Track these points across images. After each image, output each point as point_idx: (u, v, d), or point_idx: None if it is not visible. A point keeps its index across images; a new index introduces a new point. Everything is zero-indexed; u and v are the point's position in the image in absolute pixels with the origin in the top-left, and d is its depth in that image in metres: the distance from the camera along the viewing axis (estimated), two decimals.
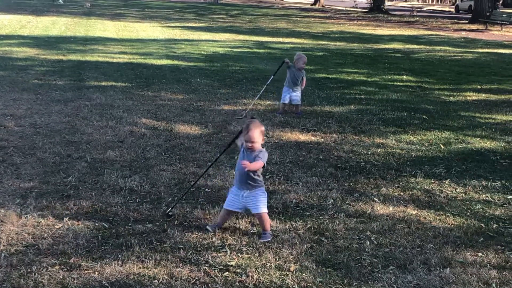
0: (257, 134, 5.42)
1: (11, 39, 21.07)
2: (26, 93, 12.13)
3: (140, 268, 4.96)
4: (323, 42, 25.70)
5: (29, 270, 4.85)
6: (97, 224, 5.84)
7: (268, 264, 5.09)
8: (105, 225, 5.83)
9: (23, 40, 20.96)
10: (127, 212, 6.18)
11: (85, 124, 9.81)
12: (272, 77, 11.53)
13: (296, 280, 4.82)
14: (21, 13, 32.65)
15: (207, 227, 5.76)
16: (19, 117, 10.06)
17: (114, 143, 8.78)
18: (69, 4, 42.60)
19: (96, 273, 4.82)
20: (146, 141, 8.98)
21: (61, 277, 4.73)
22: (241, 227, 5.88)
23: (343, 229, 5.94)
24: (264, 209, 5.63)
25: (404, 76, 16.90)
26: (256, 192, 5.60)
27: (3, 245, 5.27)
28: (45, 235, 5.53)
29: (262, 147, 5.57)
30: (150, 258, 5.13)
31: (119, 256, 5.15)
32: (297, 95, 11.27)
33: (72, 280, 4.69)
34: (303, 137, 9.59)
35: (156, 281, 4.76)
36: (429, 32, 34.80)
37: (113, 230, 5.72)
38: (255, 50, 21.56)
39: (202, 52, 20.24)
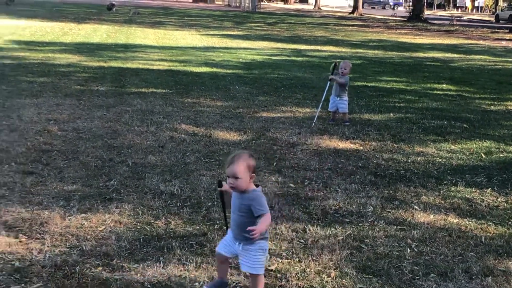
0: (242, 168, 4.23)
1: (54, 46, 21.45)
2: (69, 99, 12.34)
3: (181, 270, 5.01)
4: (361, 51, 25.62)
5: (72, 270, 4.93)
6: (138, 227, 5.92)
7: (308, 269, 5.11)
8: (146, 228, 5.90)
9: (66, 47, 21.31)
10: (168, 215, 6.25)
11: (126, 129, 9.94)
12: (329, 83, 11.42)
13: (336, 286, 4.82)
14: (63, 21, 33.20)
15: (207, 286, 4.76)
16: (62, 122, 10.24)
17: (154, 148, 8.88)
18: (117, 13, 43.19)
19: (138, 274, 4.89)
20: (186, 147, 9.07)
21: (104, 278, 4.80)
22: (281, 232, 5.90)
23: (383, 236, 5.92)
24: (260, 270, 4.49)
25: (444, 85, 16.75)
26: (254, 247, 4.42)
27: (47, 246, 5.37)
28: (88, 236, 5.62)
29: (256, 186, 4.45)
30: (191, 261, 5.18)
31: (161, 258, 5.21)
32: (343, 103, 11.23)
33: (115, 281, 4.76)
34: (342, 144, 9.58)
35: (197, 283, 4.80)
36: (469, 41, 34.44)
37: (155, 233, 5.79)
38: (293, 58, 21.60)
39: (241, 59, 20.34)
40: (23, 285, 4.63)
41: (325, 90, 11.34)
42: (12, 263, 5.01)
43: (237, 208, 4.37)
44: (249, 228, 4.13)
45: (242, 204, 4.33)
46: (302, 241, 5.73)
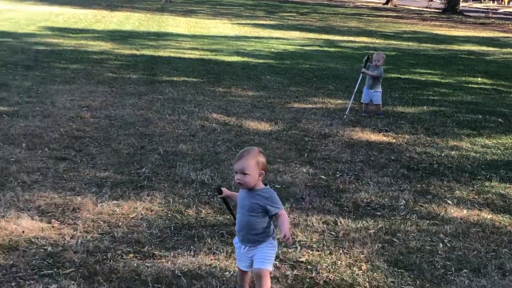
0: (252, 164, 4.01)
1: (86, 33, 21.61)
2: (101, 86, 12.42)
3: (211, 259, 5.01)
4: (395, 42, 25.37)
5: (104, 257, 4.96)
6: (169, 215, 5.93)
7: (339, 262, 5.07)
8: (177, 216, 5.91)
9: (98, 34, 21.45)
10: (198, 204, 6.26)
11: (157, 118, 9.97)
12: (361, 75, 11.32)
13: (367, 279, 4.78)
14: (96, 8, 33.42)
15: None
16: (94, 109, 10.31)
17: (185, 137, 8.89)
18: (149, 1, 43.33)
19: (169, 262, 4.90)
20: (217, 136, 9.06)
21: (135, 265, 4.82)
22: (312, 223, 5.87)
23: (416, 230, 5.85)
24: (267, 266, 4.22)
25: (479, 79, 16.51)
26: (263, 244, 4.24)
27: (80, 232, 5.41)
28: (120, 223, 5.65)
29: (265, 185, 4.20)
30: (221, 250, 5.18)
31: (191, 247, 5.22)
32: (376, 94, 11.11)
33: (146, 268, 4.77)
34: (374, 137, 9.49)
35: (227, 273, 4.79)
36: (505, 35, 33.90)
37: (185, 221, 5.79)
38: (326, 49, 21.47)
39: (272, 49, 20.27)
40: (55, 270, 4.67)
41: (357, 82, 11.24)
42: (45, 247, 5.05)
43: (247, 209, 4.12)
44: (283, 239, 3.97)
45: (254, 203, 4.07)
46: (333, 233, 5.69)
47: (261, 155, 4.11)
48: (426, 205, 6.59)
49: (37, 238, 5.22)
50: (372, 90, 11.08)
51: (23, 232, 5.33)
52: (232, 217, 4.56)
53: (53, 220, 5.63)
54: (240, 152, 4.13)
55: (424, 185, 7.23)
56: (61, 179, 6.80)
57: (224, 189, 4.31)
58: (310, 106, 11.69)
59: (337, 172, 7.56)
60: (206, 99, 11.70)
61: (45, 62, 14.85)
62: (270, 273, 4.35)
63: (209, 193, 6.61)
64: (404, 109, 11.84)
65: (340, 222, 5.93)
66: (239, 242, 4.29)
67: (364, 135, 9.53)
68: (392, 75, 15.94)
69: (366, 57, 11.36)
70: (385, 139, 9.41)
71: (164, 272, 4.74)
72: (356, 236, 5.61)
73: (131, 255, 5.02)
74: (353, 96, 11.21)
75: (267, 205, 4.04)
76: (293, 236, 5.53)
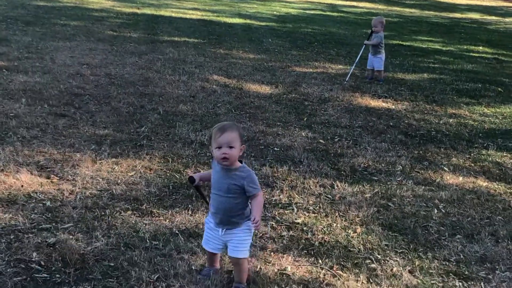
0: (236, 136, 3.72)
1: None
2: (102, 44, 12.38)
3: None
4: (398, 8, 25.23)
5: (103, 213, 5.00)
6: (168, 174, 5.97)
7: (334, 224, 5.12)
8: (176, 175, 5.95)
9: None
10: (197, 164, 6.29)
11: (158, 77, 9.96)
12: (364, 46, 11.29)
13: (361, 242, 4.84)
14: None
15: (199, 276, 4.10)
16: (94, 67, 10.29)
17: (186, 98, 8.90)
18: None
19: (167, 220, 4.95)
20: (217, 98, 9.07)
21: (133, 222, 4.87)
22: (309, 186, 5.91)
23: (411, 196, 5.90)
24: (243, 254, 3.93)
25: (481, 47, 16.47)
26: (239, 229, 3.90)
27: (78, 188, 5.45)
28: (119, 181, 5.69)
29: (240, 162, 3.86)
30: None
31: (189, 206, 5.26)
32: (377, 60, 11.08)
33: (144, 225, 4.82)
34: (373, 102, 9.50)
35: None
36: (508, 4, 33.67)
37: (184, 181, 5.82)
38: (328, 13, 21.35)
39: (274, 12, 20.17)
40: (54, 224, 4.72)
41: (361, 51, 11.23)
42: (44, 202, 5.09)
43: (225, 190, 3.77)
44: (252, 222, 3.65)
45: (233, 184, 3.73)
46: (329, 196, 5.74)
47: (241, 129, 3.90)
48: (422, 171, 6.63)
49: (36, 193, 5.26)
50: (374, 56, 11.06)
51: (22, 186, 5.37)
52: (205, 203, 4.34)
53: (52, 176, 5.67)
54: (219, 126, 3.75)
55: (421, 152, 7.27)
56: (61, 136, 6.82)
57: (196, 176, 3.94)
58: (311, 70, 11.67)
59: (336, 137, 7.59)
60: (207, 61, 11.68)
61: (45, 18, 14.77)
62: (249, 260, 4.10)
63: (208, 154, 6.64)
64: (404, 76, 11.83)
65: (337, 186, 5.98)
66: (215, 224, 3.91)
67: (364, 101, 9.54)
68: (394, 42, 15.88)
69: (370, 31, 11.32)
70: (384, 105, 9.42)
71: (162, 229, 4.79)
72: (352, 200, 5.66)
73: (130, 212, 5.07)
74: (354, 64, 11.19)
75: (245, 185, 3.71)
76: (290, 199, 5.58)
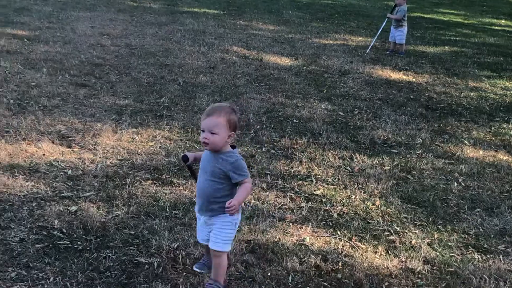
0: (222, 121, 3.36)
1: None
2: (122, 14, 12.38)
3: None
4: None
5: (123, 182, 5.04)
6: (188, 145, 5.99)
7: (353, 196, 5.13)
8: (195, 146, 5.97)
9: None
10: None
11: (178, 48, 9.96)
12: (386, 19, 11.21)
13: (380, 214, 4.84)
14: None
15: (195, 268, 3.82)
16: (115, 37, 10.30)
17: (205, 69, 8.90)
18: None
19: (187, 190, 4.98)
20: (237, 69, 9.06)
21: (153, 191, 4.91)
22: (328, 158, 5.91)
23: (431, 168, 5.88)
24: (224, 246, 3.55)
25: (503, 21, 16.26)
26: (220, 218, 3.53)
27: (99, 157, 5.49)
28: (139, 151, 5.72)
29: (233, 148, 3.53)
30: None
31: None
32: (398, 34, 11.00)
33: (164, 194, 4.86)
34: (394, 75, 9.44)
35: (243, 204, 4.86)
36: None
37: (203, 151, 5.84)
38: None
39: None
40: (75, 192, 4.76)
41: (383, 24, 11.15)
42: (65, 171, 5.14)
43: (210, 173, 3.48)
44: (227, 204, 3.29)
45: (217, 167, 3.44)
46: (348, 168, 5.74)
47: (233, 113, 3.44)
48: (442, 144, 6.60)
49: (58, 162, 5.31)
50: (396, 29, 10.97)
51: (43, 155, 5.42)
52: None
53: (73, 145, 5.72)
54: (210, 107, 3.50)
55: (441, 125, 7.23)
56: (81, 105, 6.86)
57: (189, 154, 3.66)
58: (331, 42, 11.61)
59: (355, 109, 7.57)
60: (227, 32, 11.65)
61: None
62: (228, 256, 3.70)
63: None
64: (425, 48, 11.73)
65: (356, 158, 5.97)
66: (197, 211, 3.64)
67: (384, 73, 9.48)
68: (415, 14, 15.72)
69: (394, 5, 11.23)
70: (405, 78, 9.36)
71: (181, 199, 4.82)
72: (371, 172, 5.66)
73: (150, 181, 5.10)
74: (376, 36, 11.10)
75: (230, 171, 3.41)
76: (309, 170, 5.58)
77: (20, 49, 9.03)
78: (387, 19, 11.13)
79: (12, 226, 4.15)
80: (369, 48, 10.94)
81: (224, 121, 3.37)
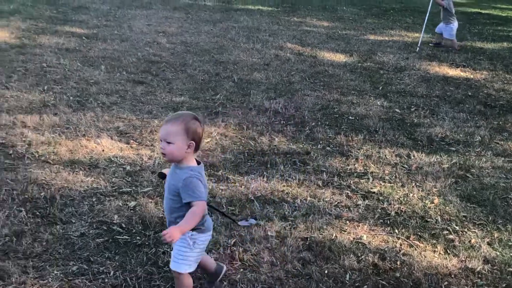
0: (178, 130, 3.09)
1: None
2: (177, 12, 12.49)
3: (284, 186, 5.08)
4: None
5: None
6: (243, 141, 6.01)
7: (411, 194, 5.07)
8: (251, 142, 5.99)
9: None
10: (272, 132, 6.31)
11: (232, 45, 10.00)
12: (430, 5, 11.05)
13: (439, 213, 4.77)
14: None
15: None
16: (170, 35, 10.41)
17: (260, 66, 8.92)
18: None
19: (243, 186, 5.00)
20: (291, 66, 9.05)
21: (209, 187, 4.93)
22: (385, 156, 5.85)
23: (490, 167, 5.77)
24: (179, 267, 3.30)
25: None
26: (181, 239, 3.19)
27: (157, 153, 5.55)
28: None
29: (198, 163, 3.27)
30: (293, 178, 5.24)
31: (264, 173, 5.30)
32: (446, 28, 10.83)
33: (220, 190, 4.89)
34: (451, 72, 9.29)
35: (298, 200, 4.85)
36: None
37: (259, 148, 5.87)
38: None
39: None
40: (134, 188, 4.83)
41: (427, 13, 10.99)
42: (124, 166, 5.22)
43: (167, 189, 3.25)
44: (163, 234, 2.96)
45: (172, 183, 3.19)
46: (405, 166, 5.67)
47: (193, 121, 3.14)
48: (502, 142, 6.47)
49: (116, 157, 5.39)
50: (443, 23, 10.81)
51: (103, 151, 5.51)
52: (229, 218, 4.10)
53: (131, 141, 5.80)
54: (169, 115, 3.26)
55: (500, 122, 7.09)
56: (139, 102, 6.95)
57: (166, 171, 3.40)
58: (386, 38, 11.49)
59: (412, 106, 7.48)
60: (281, 29, 11.65)
61: None
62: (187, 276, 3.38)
63: (282, 121, 6.65)
64: (483, 44, 11.50)
65: (413, 156, 5.90)
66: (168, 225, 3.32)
67: (441, 70, 9.34)
68: (472, 10, 15.43)
69: None
70: (462, 74, 9.20)
71: (238, 195, 4.85)
72: (429, 170, 5.58)
73: (206, 178, 5.12)
74: (423, 28, 10.96)
75: (180, 188, 3.11)
76: (365, 168, 5.54)
77: (78, 47, 9.21)
78: (430, 5, 10.95)
79: (73, 221, 4.24)
80: (419, 42, 10.80)
81: (181, 129, 3.10)
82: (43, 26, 10.49)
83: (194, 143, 3.13)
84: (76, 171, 5.02)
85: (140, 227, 4.23)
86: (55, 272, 3.62)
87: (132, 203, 4.56)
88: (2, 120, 6.02)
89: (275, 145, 5.98)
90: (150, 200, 4.62)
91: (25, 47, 9.03)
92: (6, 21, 10.66)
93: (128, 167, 5.21)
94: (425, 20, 10.99)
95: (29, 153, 5.31)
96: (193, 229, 3.20)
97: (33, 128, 5.90)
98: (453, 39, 10.87)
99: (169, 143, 3.08)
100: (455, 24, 10.86)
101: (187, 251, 3.27)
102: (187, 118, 3.14)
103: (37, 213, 4.29)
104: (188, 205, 3.10)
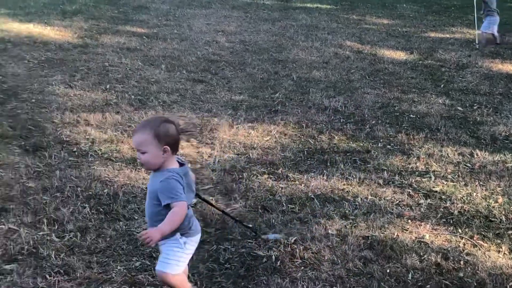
0: (147, 138, 3.02)
1: None
2: (236, 11, 12.56)
3: (344, 184, 5.04)
4: None
5: (240, 176, 5.11)
6: (303, 140, 6.00)
7: (474, 194, 4.96)
8: (310, 141, 5.98)
9: None
10: (331, 130, 6.28)
11: (291, 44, 10.00)
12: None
13: (503, 212, 4.66)
14: None
15: None
16: (229, 34, 10.47)
17: (319, 64, 8.89)
18: None
19: (302, 185, 4.99)
20: (350, 64, 8.99)
21: (269, 185, 4.95)
22: (447, 154, 5.75)
23: None
24: (167, 268, 3.23)
25: None
26: (167, 242, 3.21)
27: (217, 151, 5.60)
28: (255, 145, 5.79)
29: (181, 165, 3.25)
30: (354, 176, 5.19)
31: (324, 171, 5.27)
32: (486, 21, 10.63)
33: (280, 188, 4.89)
34: None
35: (359, 198, 4.82)
36: None
37: (318, 146, 5.85)
38: None
39: None
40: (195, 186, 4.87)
41: (474, 7, 10.81)
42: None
43: (147, 194, 3.19)
44: (142, 232, 2.93)
45: (150, 189, 3.14)
46: (468, 165, 5.56)
47: (163, 125, 3.08)
48: None
49: (177, 155, 5.43)
50: (485, 17, 10.64)
51: None
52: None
53: (192, 139, 5.84)
54: (138, 124, 3.12)
55: None
56: (199, 101, 7.02)
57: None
58: (448, 36, 11.30)
59: (475, 104, 7.33)
60: (340, 27, 11.58)
61: None
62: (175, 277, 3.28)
63: (342, 120, 6.61)
64: None
65: (477, 154, 5.77)
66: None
67: (504, 67, 9.13)
68: None
69: None
70: None
71: (297, 193, 4.84)
72: (493, 169, 5.46)
73: (266, 175, 5.14)
74: (475, 23, 10.76)
75: (158, 191, 3.03)
76: (427, 166, 5.45)
77: (139, 46, 9.36)
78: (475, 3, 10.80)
79: (136, 217, 4.31)
80: (477, 39, 10.59)
81: (150, 137, 3.01)
82: (105, 26, 10.70)
83: (168, 147, 3.06)
84: (138, 169, 5.10)
85: (202, 224, 4.23)
86: (119, 267, 3.69)
87: (193, 200, 4.60)
88: (66, 118, 6.16)
89: (334, 144, 5.95)
90: (211, 198, 4.65)
91: (88, 46, 9.23)
92: (69, 21, 10.92)
93: (189, 165, 5.23)
94: (475, 16, 10.80)
95: (92, 151, 5.42)
96: (181, 234, 3.17)
97: (96, 126, 6.03)
98: (489, 32, 10.60)
99: (143, 152, 3.02)
100: (493, 18, 10.60)
101: (179, 251, 3.21)
102: (155, 123, 3.07)
103: (101, 209, 4.38)
104: (169, 208, 3.01)
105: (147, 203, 3.15)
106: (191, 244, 3.27)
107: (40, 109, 6.43)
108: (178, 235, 3.17)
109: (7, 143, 5.49)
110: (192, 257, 3.77)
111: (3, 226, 4.06)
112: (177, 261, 3.22)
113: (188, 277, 3.59)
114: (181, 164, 3.18)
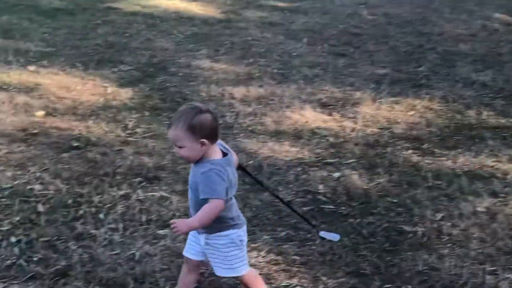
0: (181, 133, 2.79)
1: None
2: None
3: (493, 161, 4.84)
4: None
5: (383, 150, 5.04)
6: (449, 115, 5.82)
7: None
8: (457, 116, 5.79)
9: None
10: (479, 105, 6.04)
11: (436, 16, 9.70)
12: None
13: None
14: None
15: None
16: (371, 6, 10.32)
17: (465, 37, 8.57)
18: None
19: (449, 161, 4.84)
20: (499, 37, 8.61)
21: (414, 161, 4.84)
22: None
23: None
24: (239, 271, 3.04)
25: None
26: (219, 241, 2.96)
27: (359, 125, 5.55)
28: (399, 120, 5.68)
29: (225, 155, 2.91)
30: (503, 153, 4.97)
31: (472, 147, 5.08)
32: None
33: (426, 164, 4.77)
34: None
35: (509, 176, 4.61)
36: None
37: (466, 122, 5.65)
38: None
39: None
40: (337, 159, 4.86)
41: None
42: (327, 138, 5.27)
43: (189, 187, 3.00)
44: (173, 220, 2.88)
45: (192, 180, 2.94)
46: None
47: (197, 116, 2.80)
48: None
49: (319, 129, 5.46)
50: None
51: (306, 122, 5.61)
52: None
53: (334, 113, 5.82)
54: (174, 115, 2.96)
55: None
56: (341, 75, 6.98)
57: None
58: None
59: None
60: None
61: None
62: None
63: (490, 94, 6.35)
64: None
65: None
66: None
67: None
68: None
69: None
70: None
71: (444, 170, 4.70)
72: None
73: (410, 151, 5.04)
74: None
75: (198, 184, 2.84)
76: None
77: (281, 21, 9.42)
78: None
79: (280, 189, 4.36)
80: None
81: (184, 131, 2.78)
82: (247, 0, 10.84)
83: (205, 139, 2.80)
84: (281, 141, 5.16)
85: (345, 198, 4.25)
86: (265, 236, 3.76)
87: (336, 174, 4.61)
88: (211, 92, 6.33)
89: (483, 119, 5.72)
90: (354, 172, 4.63)
91: (231, 21, 9.41)
92: None
93: (331, 139, 5.25)
94: None
95: (237, 123, 5.55)
96: (233, 228, 2.96)
97: (240, 99, 6.15)
98: None
99: (180, 147, 2.84)
100: None
101: (238, 253, 3.00)
102: (188, 116, 2.81)
103: (246, 180, 4.47)
104: (207, 202, 2.82)
105: (190, 194, 2.98)
106: (245, 237, 3.05)
107: (187, 83, 6.64)
108: (233, 235, 2.96)
109: (158, 115, 5.73)
110: (336, 230, 3.77)
111: (156, 194, 4.26)
112: (242, 261, 3.03)
113: (333, 249, 3.60)
114: (225, 154, 2.94)
